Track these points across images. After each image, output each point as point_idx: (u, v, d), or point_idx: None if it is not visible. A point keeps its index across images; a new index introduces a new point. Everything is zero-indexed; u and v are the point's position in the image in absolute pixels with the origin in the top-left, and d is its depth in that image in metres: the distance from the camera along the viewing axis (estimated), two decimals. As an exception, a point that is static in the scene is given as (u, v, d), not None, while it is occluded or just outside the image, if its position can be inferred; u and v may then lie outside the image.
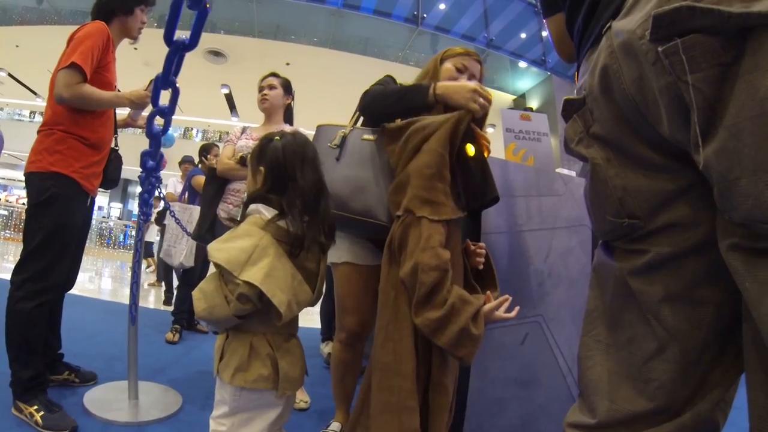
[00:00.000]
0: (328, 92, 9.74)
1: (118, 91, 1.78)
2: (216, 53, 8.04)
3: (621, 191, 0.60)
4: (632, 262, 0.62)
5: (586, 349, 0.70)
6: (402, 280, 1.08)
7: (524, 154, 1.87)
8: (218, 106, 10.93)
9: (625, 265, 0.63)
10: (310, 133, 2.43)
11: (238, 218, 1.15)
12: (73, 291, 2.07)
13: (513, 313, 1.09)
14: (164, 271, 4.31)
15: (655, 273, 0.60)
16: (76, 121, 1.65)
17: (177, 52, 0.90)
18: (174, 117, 1.59)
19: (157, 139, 1.20)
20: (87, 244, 2.07)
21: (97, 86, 1.63)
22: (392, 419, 1.05)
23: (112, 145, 1.87)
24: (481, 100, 1.24)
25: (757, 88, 0.43)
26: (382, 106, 1.37)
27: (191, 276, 3.40)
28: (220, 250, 1.01)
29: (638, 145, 0.59)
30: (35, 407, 1.54)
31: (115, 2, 1.76)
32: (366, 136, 1.39)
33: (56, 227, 1.61)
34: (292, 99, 2.33)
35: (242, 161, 2.14)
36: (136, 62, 8.59)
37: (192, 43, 0.89)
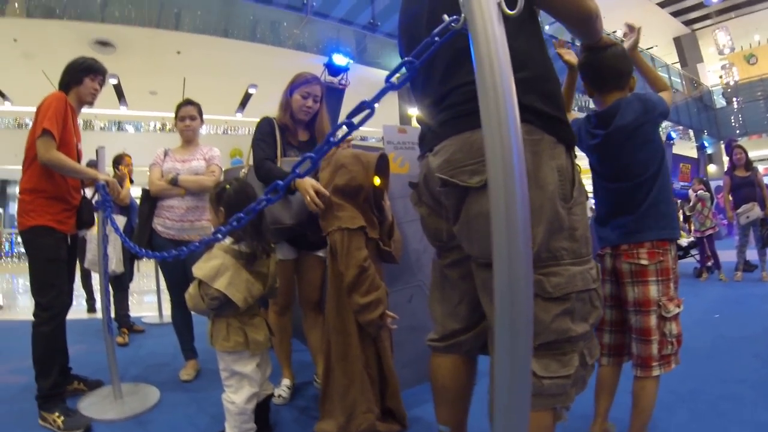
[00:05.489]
0: (219, 80, 9.68)
1: (78, 145, 2.19)
2: (103, 43, 7.61)
3: (434, 229, 1.27)
4: (444, 261, 1.29)
5: (432, 301, 1.36)
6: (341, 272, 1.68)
7: (401, 161, 2.35)
8: (106, 95, 10.22)
9: (443, 261, 1.30)
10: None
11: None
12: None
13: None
14: (84, 280, 4.27)
15: (453, 267, 1.26)
16: (40, 181, 2.03)
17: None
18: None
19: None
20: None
21: (60, 144, 1.99)
22: (347, 364, 1.69)
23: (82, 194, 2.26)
24: (318, 199, 1.74)
25: (468, 210, 1.06)
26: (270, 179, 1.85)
27: (123, 281, 3.54)
28: (199, 268, 1.58)
29: (439, 208, 1.21)
30: (56, 414, 1.92)
31: (68, 76, 2.17)
32: None
33: (49, 265, 2.03)
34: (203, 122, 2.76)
35: (173, 182, 2.50)
36: (16, 54, 8.14)
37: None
